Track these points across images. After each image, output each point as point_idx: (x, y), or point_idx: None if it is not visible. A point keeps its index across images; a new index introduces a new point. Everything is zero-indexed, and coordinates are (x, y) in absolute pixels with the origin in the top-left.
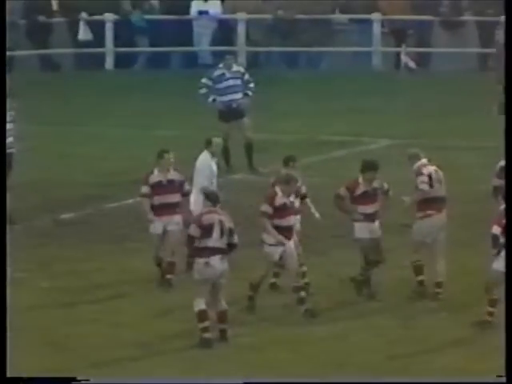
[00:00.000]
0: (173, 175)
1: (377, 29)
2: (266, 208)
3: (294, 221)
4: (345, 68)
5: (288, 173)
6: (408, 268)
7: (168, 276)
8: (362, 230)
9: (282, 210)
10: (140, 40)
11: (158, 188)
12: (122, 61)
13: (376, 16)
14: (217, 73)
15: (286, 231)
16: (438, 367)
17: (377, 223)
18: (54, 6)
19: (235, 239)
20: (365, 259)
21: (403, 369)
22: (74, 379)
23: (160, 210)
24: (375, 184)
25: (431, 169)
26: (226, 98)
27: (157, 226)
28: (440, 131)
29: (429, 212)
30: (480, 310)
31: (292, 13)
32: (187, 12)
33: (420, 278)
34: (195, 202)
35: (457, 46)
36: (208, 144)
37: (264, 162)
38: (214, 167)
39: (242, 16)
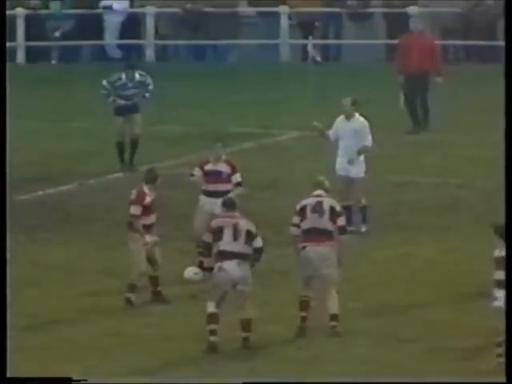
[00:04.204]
0: None
1: (284, 21)
2: None
3: None
4: (252, 60)
5: None
6: None
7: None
8: None
9: None
10: (51, 35)
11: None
12: (34, 55)
13: (283, 9)
14: (119, 82)
15: None
16: None
17: None
18: None
19: (257, 243)
20: None
21: None
22: (75, 380)
23: None
24: None
25: (312, 200)
26: (124, 101)
27: None
28: None
29: (303, 244)
30: None
31: (200, 6)
32: (97, 6)
33: (302, 314)
34: None
35: (365, 38)
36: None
37: (172, 155)
38: None
39: (150, 10)
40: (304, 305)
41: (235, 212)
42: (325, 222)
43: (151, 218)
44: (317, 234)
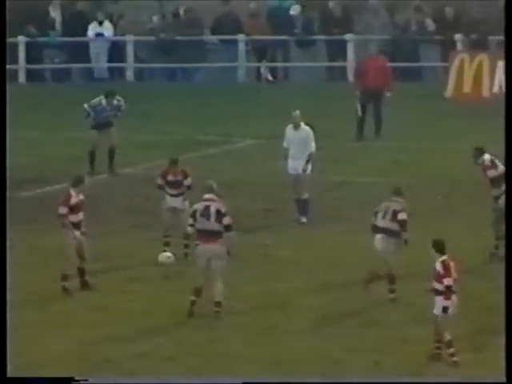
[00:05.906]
0: None
1: (241, 47)
2: None
3: None
4: (215, 80)
5: None
6: None
7: None
8: None
9: None
10: (47, 59)
11: None
12: (33, 76)
13: (241, 37)
14: (99, 107)
15: None
16: None
17: None
18: None
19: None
20: None
21: None
22: (72, 379)
23: None
24: None
25: (201, 205)
26: (100, 120)
27: None
28: None
29: (197, 242)
30: None
31: (172, 35)
32: (85, 34)
33: (192, 298)
34: None
35: (309, 61)
36: None
37: (149, 159)
38: None
39: (130, 38)
40: (196, 291)
41: None
42: (212, 224)
43: (78, 216)
44: (205, 235)
